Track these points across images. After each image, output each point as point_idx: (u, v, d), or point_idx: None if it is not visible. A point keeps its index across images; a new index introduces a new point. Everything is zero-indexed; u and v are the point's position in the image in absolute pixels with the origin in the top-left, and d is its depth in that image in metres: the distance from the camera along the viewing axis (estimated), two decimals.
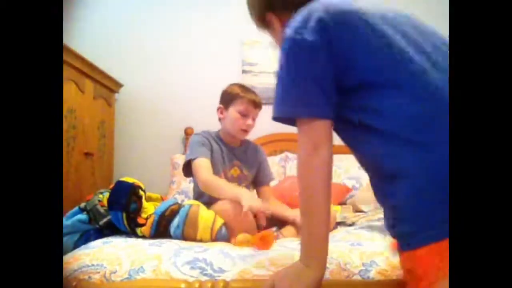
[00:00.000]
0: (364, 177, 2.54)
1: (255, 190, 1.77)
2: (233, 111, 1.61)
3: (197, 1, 3.05)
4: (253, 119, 1.64)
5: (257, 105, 1.63)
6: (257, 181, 1.76)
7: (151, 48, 3.02)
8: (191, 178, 1.64)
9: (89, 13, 3.02)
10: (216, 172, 1.58)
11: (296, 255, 1.00)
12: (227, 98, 1.64)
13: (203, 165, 1.51)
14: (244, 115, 1.60)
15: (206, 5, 3.04)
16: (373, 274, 0.93)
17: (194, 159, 1.53)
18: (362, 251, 1.01)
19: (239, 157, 1.69)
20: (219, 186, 1.43)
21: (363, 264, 0.94)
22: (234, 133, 1.65)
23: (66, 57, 2.00)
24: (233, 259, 0.99)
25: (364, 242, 1.13)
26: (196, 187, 1.63)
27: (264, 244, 1.09)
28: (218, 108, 1.66)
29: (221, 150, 1.64)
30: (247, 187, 1.69)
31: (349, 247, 1.05)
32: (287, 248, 1.09)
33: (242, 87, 1.67)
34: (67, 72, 2.06)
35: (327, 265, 0.82)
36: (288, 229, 1.46)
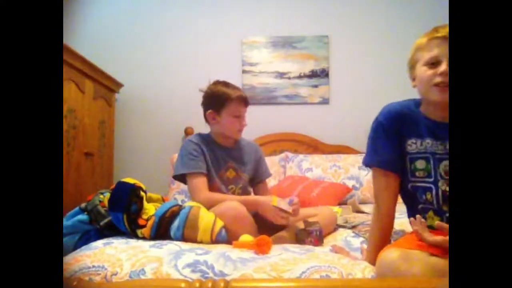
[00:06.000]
0: (364, 177, 2.54)
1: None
2: (226, 115, 1.58)
3: (197, 1, 3.04)
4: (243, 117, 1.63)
5: (247, 102, 1.61)
6: (254, 178, 1.74)
7: (151, 48, 3.02)
8: None
9: (89, 13, 3.01)
10: (211, 176, 1.56)
11: (298, 259, 1.00)
12: (217, 102, 1.58)
13: (199, 186, 1.50)
14: (237, 116, 1.59)
15: (206, 5, 3.03)
16: None
17: (188, 174, 1.53)
18: (364, 266, 1.00)
19: (234, 157, 1.66)
20: (220, 201, 1.41)
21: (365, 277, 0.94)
22: (231, 135, 1.64)
23: (66, 57, 1.99)
24: (234, 262, 0.98)
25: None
26: None
27: (262, 248, 1.09)
28: (209, 114, 1.60)
29: (214, 153, 1.61)
30: (244, 187, 1.67)
31: (352, 261, 1.04)
32: (288, 252, 1.09)
33: (227, 86, 1.61)
34: (67, 72, 2.05)
35: (329, 274, 0.94)
36: (287, 232, 1.45)
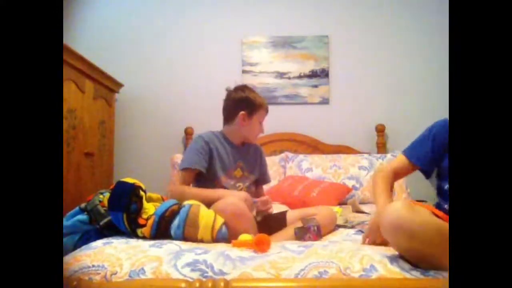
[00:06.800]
0: (364, 177, 2.55)
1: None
2: (256, 120, 1.69)
3: (197, 1, 3.05)
4: None
5: (268, 111, 1.75)
6: (257, 181, 1.79)
7: (151, 48, 3.02)
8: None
9: (89, 13, 3.02)
10: (221, 172, 1.61)
11: (297, 257, 1.00)
12: (252, 107, 1.67)
13: (182, 179, 1.59)
14: (261, 122, 1.72)
15: (206, 5, 3.04)
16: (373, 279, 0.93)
17: (186, 168, 1.58)
18: (362, 256, 1.00)
19: (243, 157, 1.71)
20: (191, 194, 1.47)
21: (364, 269, 0.94)
22: (251, 139, 1.73)
23: (66, 57, 2.00)
24: (233, 261, 0.98)
25: (364, 247, 1.12)
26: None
27: (261, 247, 1.09)
28: (242, 115, 1.66)
29: (226, 151, 1.67)
30: (249, 187, 1.70)
31: (350, 253, 1.04)
32: (288, 250, 1.08)
33: (259, 94, 1.73)
34: (67, 72, 2.05)
35: (327, 269, 0.94)
36: (287, 231, 1.46)
